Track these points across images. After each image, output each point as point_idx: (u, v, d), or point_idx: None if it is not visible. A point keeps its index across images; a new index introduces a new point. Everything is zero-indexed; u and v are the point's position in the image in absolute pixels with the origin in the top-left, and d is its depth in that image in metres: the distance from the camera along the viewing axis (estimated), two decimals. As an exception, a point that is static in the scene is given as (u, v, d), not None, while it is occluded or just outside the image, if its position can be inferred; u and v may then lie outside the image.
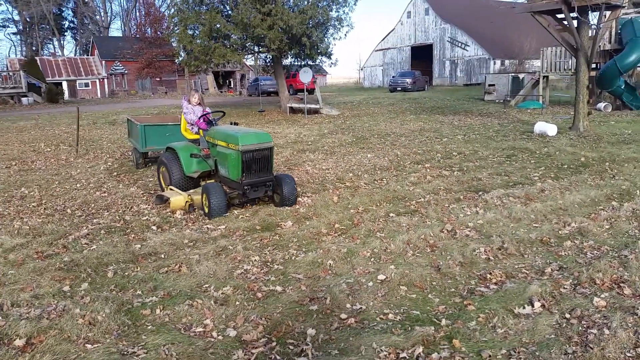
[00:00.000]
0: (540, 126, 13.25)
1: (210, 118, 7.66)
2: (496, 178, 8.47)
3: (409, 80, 38.16)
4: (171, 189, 7.41)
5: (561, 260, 4.90)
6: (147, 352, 3.42)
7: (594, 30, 13.34)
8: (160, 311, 4.04)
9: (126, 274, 4.89)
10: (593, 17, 14.18)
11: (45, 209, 7.46)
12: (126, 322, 3.86)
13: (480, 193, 7.48)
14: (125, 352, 3.44)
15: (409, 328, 3.66)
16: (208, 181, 7.62)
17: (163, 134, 9.92)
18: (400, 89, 37.66)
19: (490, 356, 3.26)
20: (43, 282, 4.66)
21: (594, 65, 17.81)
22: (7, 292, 4.44)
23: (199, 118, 7.54)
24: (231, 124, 8.08)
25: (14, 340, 3.59)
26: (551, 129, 12.87)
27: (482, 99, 26.28)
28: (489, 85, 26.28)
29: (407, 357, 3.30)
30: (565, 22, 13.22)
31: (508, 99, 22.89)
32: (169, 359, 3.33)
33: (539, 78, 21.92)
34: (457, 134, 14.02)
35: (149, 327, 3.80)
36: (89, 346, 3.52)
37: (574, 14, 12.65)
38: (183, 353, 3.40)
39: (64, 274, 4.88)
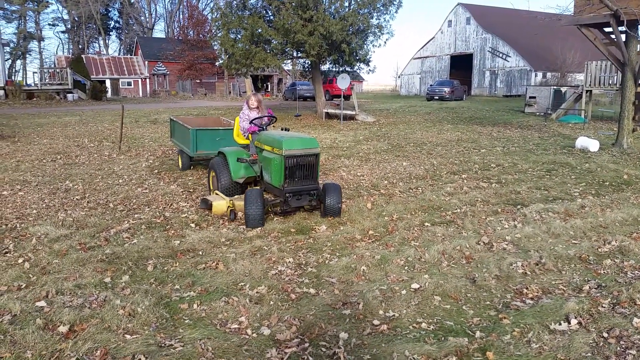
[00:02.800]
0: (582, 141, 12.94)
1: (260, 123, 7.45)
2: (535, 192, 8.32)
3: (447, 89, 37.81)
4: (216, 194, 7.31)
5: (600, 278, 4.79)
6: (184, 346, 3.52)
7: (643, 45, 12.98)
8: (198, 306, 4.15)
9: (165, 268, 5.04)
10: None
11: (88, 202, 7.73)
12: (164, 315, 3.99)
13: (518, 207, 7.37)
14: (162, 345, 3.55)
15: (442, 338, 3.65)
16: (253, 187, 7.44)
17: (214, 138, 9.64)
18: (437, 97, 37.34)
19: (524, 371, 3.23)
20: (85, 273, 4.84)
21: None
22: (52, 280, 4.63)
23: (250, 122, 7.41)
24: (282, 129, 7.76)
25: (58, 326, 3.75)
26: (593, 145, 12.56)
27: (522, 111, 25.81)
28: (530, 97, 25.80)
29: (440, 367, 3.29)
30: (613, 36, 12.90)
31: (549, 112, 22.42)
32: (205, 353, 3.42)
33: (582, 92, 21.39)
34: (496, 145, 13.83)
35: (186, 321, 3.91)
36: (128, 336, 3.64)
37: (623, 28, 12.33)
38: (218, 348, 3.49)
39: (105, 266, 5.05)
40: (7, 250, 5.51)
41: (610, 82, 20.20)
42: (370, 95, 55.63)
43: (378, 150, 13.18)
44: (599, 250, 5.57)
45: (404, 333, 3.75)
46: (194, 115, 22.29)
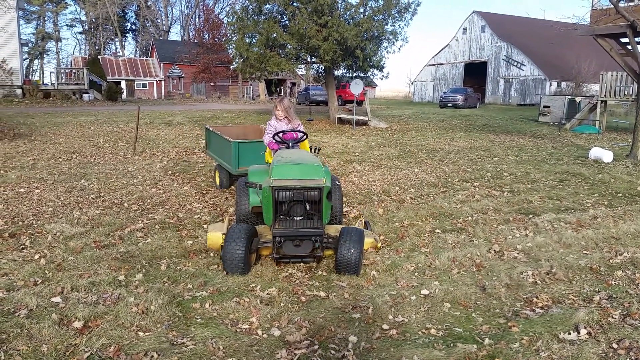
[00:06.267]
0: (596, 152, 12.86)
1: (285, 138, 5.92)
2: (547, 202, 8.29)
3: (460, 97, 37.75)
4: (221, 221, 6.19)
5: (611, 289, 4.77)
6: (196, 344, 3.58)
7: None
8: (209, 306, 4.21)
9: (178, 268, 5.11)
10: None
11: (103, 201, 7.85)
12: (177, 314, 4.05)
13: (530, 216, 7.35)
14: (175, 342, 3.61)
15: (451, 344, 3.67)
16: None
17: (258, 152, 7.72)
18: (450, 105, 37.29)
19: (532, 379, 3.24)
20: (100, 270, 4.94)
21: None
22: (67, 276, 4.73)
23: (273, 137, 5.91)
24: (310, 149, 6.42)
25: (73, 322, 3.83)
26: (607, 156, 12.47)
27: (536, 120, 25.68)
28: (544, 106, 25.66)
29: (448, 372, 3.32)
30: (629, 47, 12.83)
31: (563, 121, 22.29)
32: (216, 352, 3.48)
33: (596, 102, 21.25)
34: (509, 154, 13.78)
35: (198, 320, 3.97)
36: (141, 333, 3.71)
37: (639, 39, 12.27)
38: (229, 347, 3.54)
39: (119, 264, 5.14)
40: (23, 246, 5.62)
41: (626, 93, 20.05)
42: (383, 102, 55.65)
43: (390, 156, 13.20)
44: (611, 261, 5.54)
45: (413, 338, 3.78)
46: (208, 117, 22.47)
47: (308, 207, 4.93)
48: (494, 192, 8.97)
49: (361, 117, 22.21)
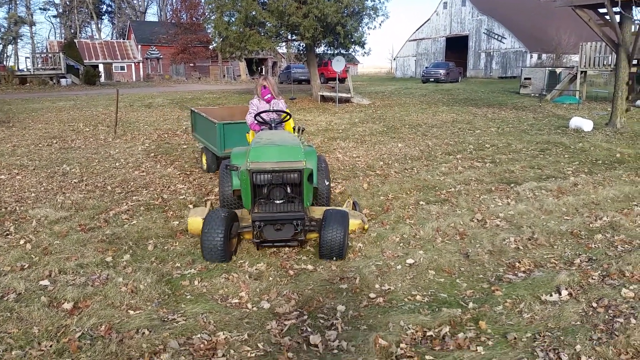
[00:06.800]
0: (576, 121, 13.03)
1: (267, 119, 5.72)
2: (529, 171, 8.43)
3: (442, 72, 37.77)
4: (204, 205, 6.13)
5: (591, 252, 4.91)
6: (186, 320, 3.62)
7: (637, 26, 13.01)
8: (199, 283, 4.26)
9: (165, 247, 5.13)
10: (637, 13, 13.81)
11: (86, 185, 7.79)
12: (166, 292, 4.09)
13: (512, 185, 7.47)
14: (165, 319, 3.65)
15: (436, 309, 3.77)
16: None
17: (244, 133, 7.31)
18: (433, 80, 37.31)
19: (515, 338, 3.34)
20: (87, 253, 4.93)
21: (635, 62, 17.35)
22: (54, 260, 4.72)
23: (255, 117, 5.72)
24: (294, 129, 6.22)
25: (62, 303, 3.85)
26: (587, 124, 12.65)
27: (518, 93, 25.85)
28: (525, 78, 25.82)
29: (434, 336, 3.41)
30: (607, 17, 12.92)
31: (544, 93, 22.48)
32: (207, 326, 3.53)
33: (576, 73, 21.44)
34: (491, 126, 13.91)
35: (188, 297, 4.02)
36: (131, 312, 3.74)
37: (617, 9, 12.35)
38: (220, 321, 3.60)
39: (106, 246, 5.14)
40: (8, 232, 5.58)
41: (605, 63, 20.23)
42: (365, 78, 55.45)
43: (373, 132, 13.23)
44: (591, 225, 5.69)
45: (399, 305, 3.87)
46: (204, 102, 22.23)
47: (289, 190, 4.77)
48: (476, 163, 9.08)
49: (344, 95, 22.14)
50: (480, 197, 6.87)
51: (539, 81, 24.74)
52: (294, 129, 6.18)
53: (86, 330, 3.45)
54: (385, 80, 49.79)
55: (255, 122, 5.72)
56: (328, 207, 5.40)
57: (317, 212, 5.31)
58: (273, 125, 5.65)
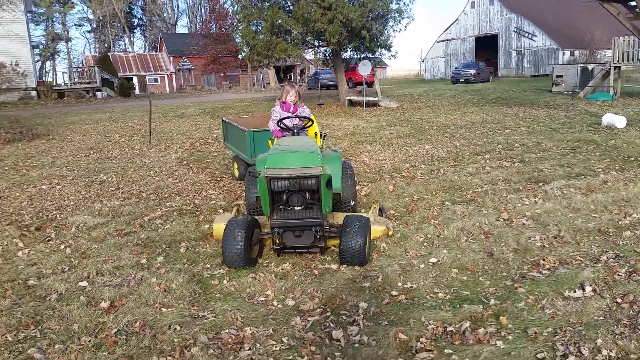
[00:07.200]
0: (609, 118, 12.76)
1: (290, 125, 5.72)
2: (558, 170, 8.34)
3: (472, 72, 37.33)
4: (229, 211, 6.30)
5: (618, 249, 4.86)
6: (216, 316, 3.80)
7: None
8: (227, 282, 4.44)
9: (196, 250, 5.36)
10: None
11: (122, 192, 8.11)
12: (197, 291, 4.29)
13: (540, 184, 7.42)
14: (196, 316, 3.84)
15: (458, 306, 3.83)
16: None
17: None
18: (463, 80, 36.92)
19: (535, 333, 3.38)
20: (123, 256, 5.19)
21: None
22: (92, 263, 4.99)
23: (277, 123, 5.72)
24: (316, 135, 6.15)
25: (100, 302, 4.08)
26: (620, 121, 12.37)
27: (550, 91, 25.38)
28: (557, 76, 25.33)
29: (454, 331, 3.48)
30: (637, 9, 12.64)
31: (577, 90, 22.02)
32: (235, 322, 3.70)
33: (609, 69, 20.93)
34: (521, 125, 13.75)
35: (217, 295, 4.20)
36: (164, 310, 3.94)
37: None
38: (247, 317, 3.76)
39: (141, 249, 5.39)
40: (49, 238, 5.90)
41: (639, 57, 19.70)
42: (394, 81, 55.31)
43: (401, 134, 13.27)
44: (619, 222, 5.61)
45: (421, 302, 3.95)
46: (235, 110, 22.66)
47: (308, 196, 4.77)
48: (504, 163, 9.03)
49: (371, 98, 22.21)
50: (507, 197, 6.85)
51: (571, 78, 24.23)
52: (316, 135, 6.17)
53: (122, 326, 3.66)
54: (414, 82, 49.53)
55: (278, 128, 5.74)
56: (349, 213, 5.35)
57: (340, 218, 5.29)
58: (295, 131, 5.65)
